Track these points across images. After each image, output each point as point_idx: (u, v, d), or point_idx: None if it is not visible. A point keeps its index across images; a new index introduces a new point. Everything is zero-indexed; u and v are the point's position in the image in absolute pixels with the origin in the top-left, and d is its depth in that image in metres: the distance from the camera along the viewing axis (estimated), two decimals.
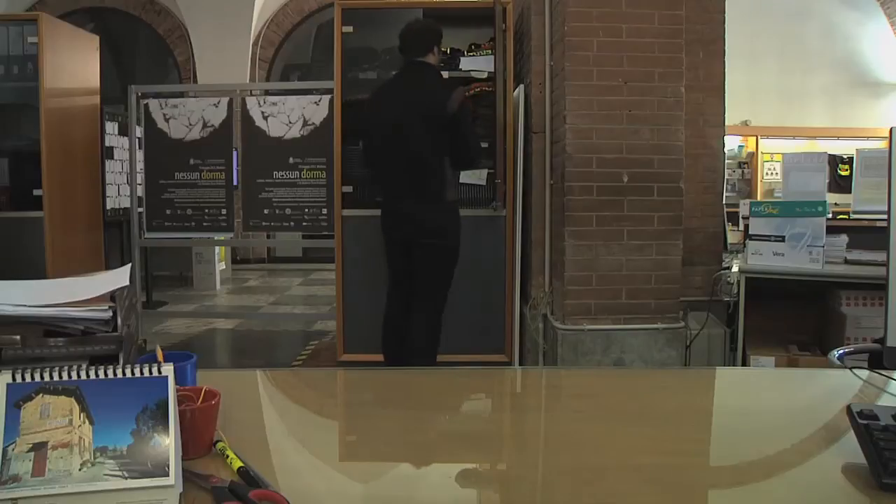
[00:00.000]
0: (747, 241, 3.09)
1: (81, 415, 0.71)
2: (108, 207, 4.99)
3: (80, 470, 0.68)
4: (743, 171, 8.42)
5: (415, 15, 3.64)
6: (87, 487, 0.67)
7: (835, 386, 1.24)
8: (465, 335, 3.56)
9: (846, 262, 3.01)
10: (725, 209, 3.82)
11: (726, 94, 3.67)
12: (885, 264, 0.96)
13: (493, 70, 3.71)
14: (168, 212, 4.50)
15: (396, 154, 3.07)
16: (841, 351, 1.76)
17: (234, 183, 4.45)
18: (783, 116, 8.13)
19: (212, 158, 4.44)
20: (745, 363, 3.00)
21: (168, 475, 0.69)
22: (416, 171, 3.06)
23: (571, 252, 3.13)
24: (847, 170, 7.08)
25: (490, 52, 3.75)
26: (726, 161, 4.17)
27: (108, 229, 4.93)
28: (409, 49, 3.14)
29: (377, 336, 3.29)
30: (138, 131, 4.54)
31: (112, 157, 5.05)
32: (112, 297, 0.94)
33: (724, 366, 3.18)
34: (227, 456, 0.81)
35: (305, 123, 4.27)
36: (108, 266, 3.55)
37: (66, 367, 0.74)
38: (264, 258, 9.36)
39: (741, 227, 3.72)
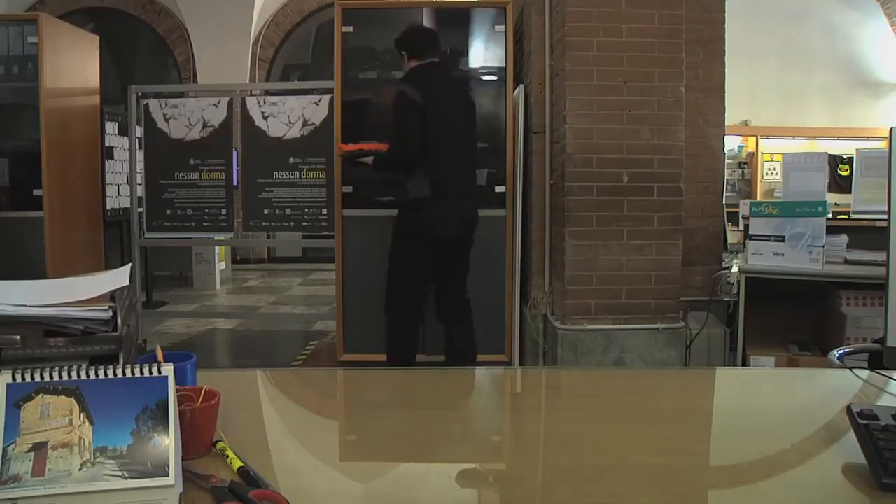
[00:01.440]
0: (747, 241, 3.09)
1: (81, 415, 0.71)
2: (108, 207, 4.99)
3: (80, 470, 0.68)
4: (743, 171, 8.42)
5: (415, 15, 3.64)
6: (87, 487, 0.67)
7: (835, 386, 1.24)
8: None
9: (846, 262, 3.01)
10: (725, 209, 3.82)
11: (726, 94, 3.67)
12: (885, 264, 0.96)
13: (493, 70, 3.71)
14: (168, 212, 4.50)
15: (453, 151, 3.11)
16: (841, 351, 1.76)
17: (234, 183, 4.45)
18: (783, 116, 8.13)
19: (212, 158, 4.43)
20: (745, 363, 3.00)
21: (168, 475, 0.69)
22: (468, 168, 3.25)
23: (571, 252, 3.13)
24: (847, 170, 7.08)
25: (490, 52, 3.76)
26: (726, 161, 4.17)
27: (108, 229, 4.93)
28: (433, 49, 3.16)
29: (377, 336, 3.28)
30: (138, 131, 4.54)
31: (112, 157, 5.05)
32: (112, 297, 0.94)
33: (724, 366, 3.18)
34: (227, 456, 0.81)
35: (305, 123, 4.27)
36: (108, 266, 3.55)
37: (66, 367, 0.74)
38: (264, 258, 9.36)
39: (741, 227, 3.72)
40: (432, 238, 3.11)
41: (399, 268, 3.16)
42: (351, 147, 3.50)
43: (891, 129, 0.98)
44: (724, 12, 3.63)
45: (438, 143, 3.04)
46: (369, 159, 3.35)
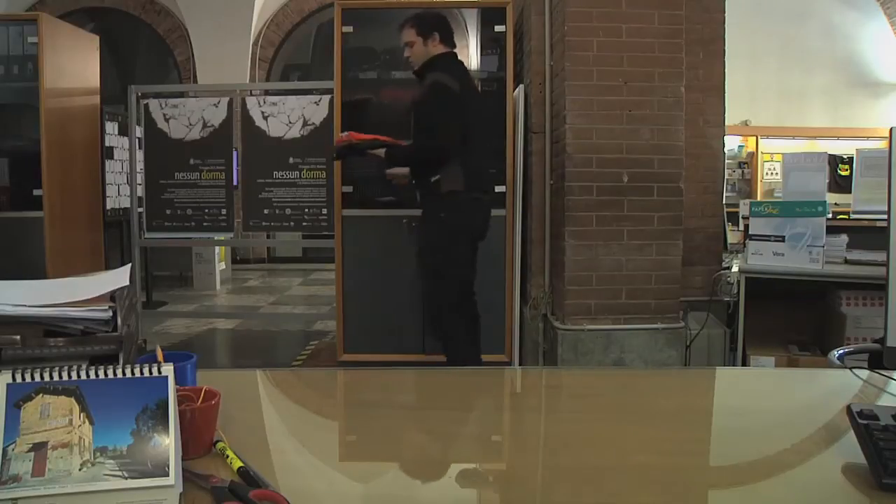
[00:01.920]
0: (747, 241, 3.10)
1: (81, 415, 0.71)
2: (108, 207, 4.99)
3: (80, 470, 0.68)
4: (743, 171, 8.42)
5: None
6: (87, 487, 0.67)
7: (835, 386, 1.24)
8: None
9: (846, 262, 3.01)
10: (725, 209, 3.82)
11: (726, 94, 3.67)
12: (885, 264, 0.96)
13: (493, 70, 3.71)
14: (168, 212, 4.50)
15: (481, 143, 3.11)
16: (841, 351, 1.76)
17: (234, 183, 4.45)
18: (783, 116, 8.13)
19: (212, 158, 4.43)
20: (745, 363, 3.00)
21: (168, 475, 0.69)
22: (489, 161, 3.30)
23: (571, 252, 3.13)
24: (847, 170, 7.08)
25: (490, 52, 3.76)
26: (726, 161, 4.18)
27: (108, 229, 4.93)
28: (454, 39, 3.13)
29: (377, 336, 3.28)
30: (138, 131, 4.53)
31: (112, 157, 5.05)
32: (112, 297, 0.94)
33: (724, 366, 3.18)
34: (227, 456, 0.81)
35: (305, 123, 4.27)
36: (108, 266, 3.55)
37: (66, 367, 0.74)
38: (264, 258, 9.36)
39: (741, 227, 3.72)
40: (476, 232, 3.07)
41: (454, 264, 2.99)
42: (363, 136, 3.14)
43: (891, 129, 0.98)
44: (724, 12, 3.63)
45: (473, 134, 3.00)
46: (381, 151, 3.11)
